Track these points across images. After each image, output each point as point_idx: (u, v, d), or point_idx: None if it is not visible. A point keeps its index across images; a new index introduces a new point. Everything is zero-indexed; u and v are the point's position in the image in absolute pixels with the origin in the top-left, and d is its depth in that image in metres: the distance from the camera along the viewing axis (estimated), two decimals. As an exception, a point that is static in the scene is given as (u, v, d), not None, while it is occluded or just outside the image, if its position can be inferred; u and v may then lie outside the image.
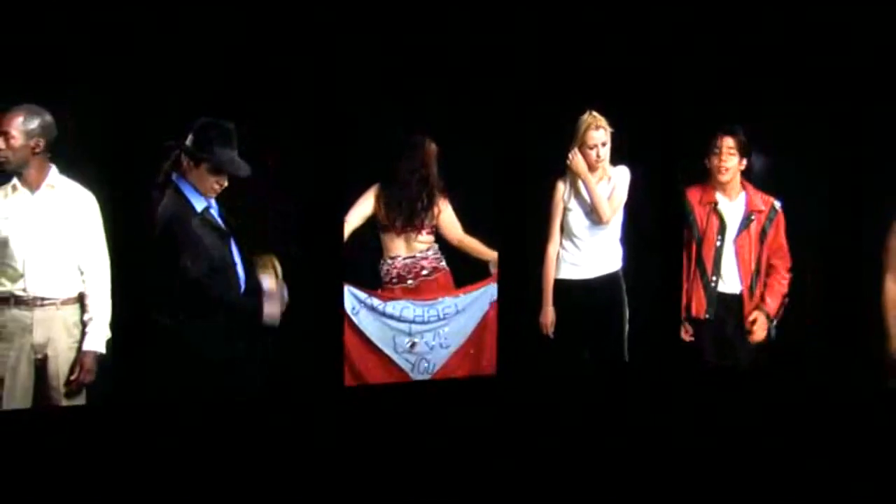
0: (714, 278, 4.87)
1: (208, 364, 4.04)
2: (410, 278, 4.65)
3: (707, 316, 4.88)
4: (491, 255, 4.75)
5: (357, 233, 4.51)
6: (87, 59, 3.75)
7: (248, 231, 4.06)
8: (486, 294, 4.78)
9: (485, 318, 4.80)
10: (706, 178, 4.85)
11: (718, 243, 4.85)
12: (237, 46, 3.92)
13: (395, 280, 4.65)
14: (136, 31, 3.76)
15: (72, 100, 3.75)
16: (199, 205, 4.05)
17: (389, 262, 4.64)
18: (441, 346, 4.73)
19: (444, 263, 4.70)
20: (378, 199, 4.57)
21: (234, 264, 4.08)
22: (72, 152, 3.87)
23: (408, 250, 4.65)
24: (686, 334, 4.90)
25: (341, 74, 4.10)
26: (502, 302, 4.69)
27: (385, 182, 4.59)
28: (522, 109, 4.43)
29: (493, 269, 4.79)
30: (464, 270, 4.73)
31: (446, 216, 4.71)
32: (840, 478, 4.10)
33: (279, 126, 4.02)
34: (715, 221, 4.86)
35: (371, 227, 4.57)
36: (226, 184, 4.03)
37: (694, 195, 4.90)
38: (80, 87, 3.78)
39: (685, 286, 4.91)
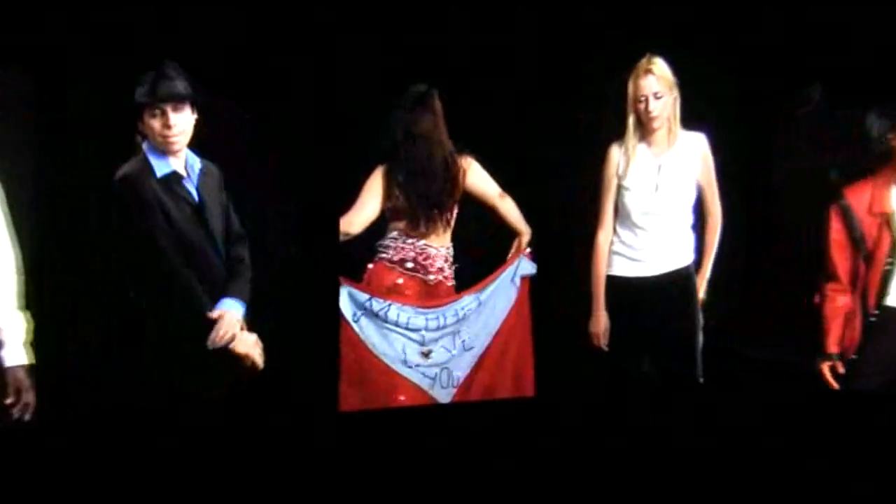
0: (876, 311, 3.81)
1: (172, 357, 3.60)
2: (422, 271, 3.92)
3: (854, 356, 3.87)
4: (525, 229, 4.07)
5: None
6: (87, 57, 3.78)
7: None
8: (510, 276, 4.02)
9: (517, 305, 4.04)
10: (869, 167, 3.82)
11: (888, 266, 3.77)
12: (237, 46, 3.93)
13: (408, 263, 3.92)
14: (135, 28, 3.79)
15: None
16: (161, 169, 3.66)
17: (408, 240, 3.94)
18: (464, 347, 3.97)
19: (447, 274, 4.04)
20: (386, 192, 3.96)
21: (207, 245, 3.72)
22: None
23: (427, 236, 4.01)
24: (826, 369, 3.90)
25: (341, 74, 4.11)
26: (536, 308, 4.09)
27: (391, 167, 3.97)
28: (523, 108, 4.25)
29: (523, 247, 4.04)
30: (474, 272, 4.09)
31: (475, 175, 3.99)
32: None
33: (279, 126, 4.02)
34: (886, 238, 3.76)
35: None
36: (174, 124, 3.62)
37: (858, 198, 3.81)
38: (81, 86, 3.80)
39: (837, 311, 3.87)
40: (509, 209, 4.05)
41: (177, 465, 3.62)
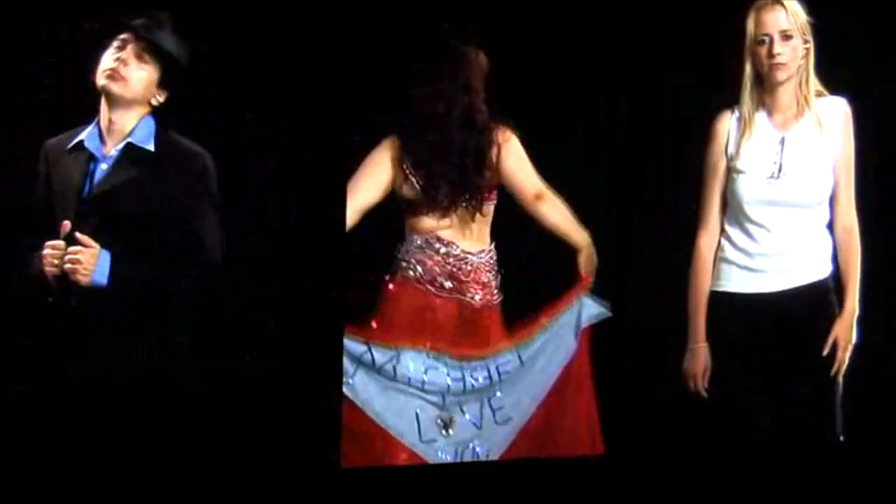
0: None
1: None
2: (461, 291, 2.98)
3: None
4: (582, 237, 3.10)
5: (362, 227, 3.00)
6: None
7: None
8: (568, 322, 3.03)
9: (576, 362, 3.05)
10: None
11: None
12: (236, 45, 3.93)
13: (443, 280, 2.99)
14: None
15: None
16: (75, 138, 3.05)
17: (439, 246, 3.01)
18: (496, 419, 2.99)
19: (496, 291, 3.06)
20: (398, 162, 3.03)
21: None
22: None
23: (464, 238, 3.05)
24: None
25: (341, 74, 4.10)
26: (603, 336, 3.12)
27: (406, 134, 3.02)
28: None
29: (585, 271, 3.10)
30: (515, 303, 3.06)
31: (513, 154, 3.01)
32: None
33: (279, 126, 4.01)
34: None
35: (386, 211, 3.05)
36: (130, 64, 3.09)
37: None
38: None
39: None
40: (552, 213, 3.12)
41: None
